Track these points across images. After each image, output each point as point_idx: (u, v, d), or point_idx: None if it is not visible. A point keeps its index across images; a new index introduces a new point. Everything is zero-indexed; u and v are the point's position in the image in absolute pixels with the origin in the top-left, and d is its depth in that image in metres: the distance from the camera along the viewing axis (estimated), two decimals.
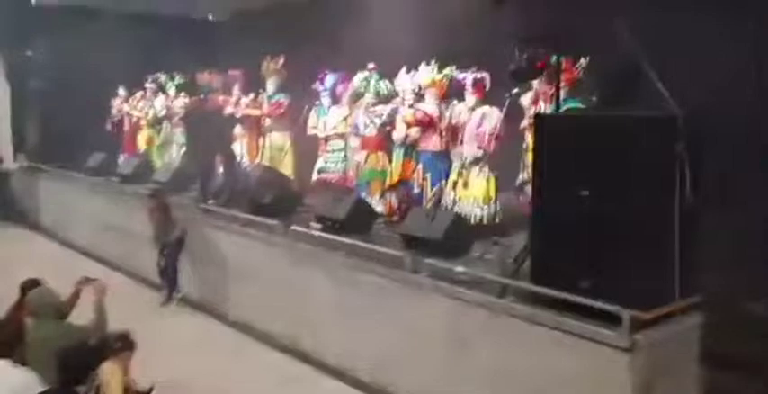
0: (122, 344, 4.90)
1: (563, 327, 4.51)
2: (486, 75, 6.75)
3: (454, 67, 7.12)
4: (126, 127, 12.00)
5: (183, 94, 10.77)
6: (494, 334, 4.99)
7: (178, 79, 10.68)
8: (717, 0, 5.78)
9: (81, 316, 5.00)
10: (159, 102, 11.22)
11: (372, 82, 7.82)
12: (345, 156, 8.26)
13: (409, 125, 7.23)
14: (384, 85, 7.81)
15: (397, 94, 7.69)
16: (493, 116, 6.60)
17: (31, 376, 4.01)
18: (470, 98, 6.80)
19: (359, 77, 7.95)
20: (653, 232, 4.45)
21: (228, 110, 9.56)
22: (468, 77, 6.77)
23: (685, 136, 4.45)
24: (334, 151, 8.31)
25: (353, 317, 6.13)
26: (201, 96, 9.35)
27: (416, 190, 7.18)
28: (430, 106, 7.14)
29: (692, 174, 4.45)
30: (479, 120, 6.67)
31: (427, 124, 7.10)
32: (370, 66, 7.87)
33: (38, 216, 12.57)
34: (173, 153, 10.98)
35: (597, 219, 4.58)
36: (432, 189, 7.08)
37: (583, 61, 6.39)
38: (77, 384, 3.71)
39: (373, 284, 5.96)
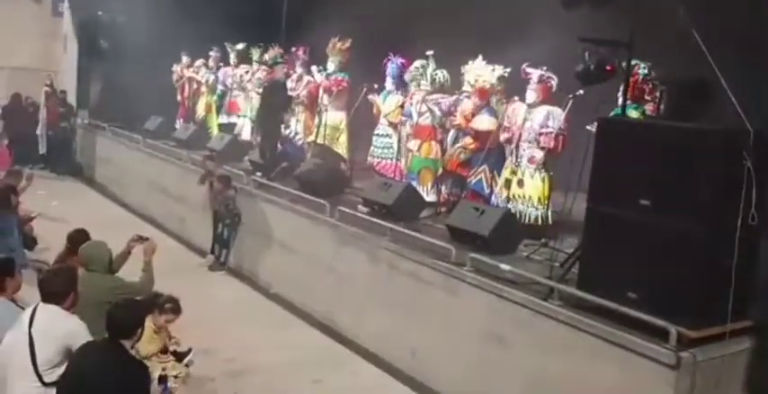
0: (171, 306, 5.07)
1: (606, 337, 4.45)
2: (553, 76, 6.61)
3: (507, 69, 7.02)
4: (186, 93, 12.16)
5: (249, 65, 10.79)
6: (533, 335, 4.95)
7: (253, 50, 10.72)
8: None
9: (130, 273, 5.12)
10: (222, 72, 11.29)
11: (429, 70, 7.75)
12: (393, 144, 8.20)
13: (468, 120, 7.15)
14: (441, 74, 7.72)
15: (449, 85, 7.62)
16: (558, 115, 6.47)
17: (81, 324, 4.13)
18: (531, 95, 6.66)
19: (416, 65, 7.89)
20: (711, 250, 4.34)
21: (290, 85, 9.60)
22: (534, 74, 6.63)
23: (755, 152, 4.32)
24: (380, 136, 8.28)
25: (392, 304, 6.16)
26: (272, 67, 9.36)
27: (487, 190, 7.03)
28: (481, 120, 7.01)
29: (758, 193, 4.32)
30: (543, 120, 6.53)
31: (484, 138, 7.00)
32: (429, 52, 7.79)
33: (94, 172, 12.92)
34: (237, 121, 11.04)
35: (654, 231, 4.48)
36: (494, 184, 6.98)
37: (645, 68, 6.21)
38: (124, 339, 3.81)
39: (415, 273, 5.97)
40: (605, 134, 5.01)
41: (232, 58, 11.12)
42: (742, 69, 5.12)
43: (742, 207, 4.34)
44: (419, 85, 7.79)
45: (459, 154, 7.34)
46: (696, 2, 5.22)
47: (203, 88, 11.65)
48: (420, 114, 7.68)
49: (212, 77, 11.52)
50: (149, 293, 5.12)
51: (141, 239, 5.35)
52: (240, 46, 10.97)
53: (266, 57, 10.25)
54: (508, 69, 7.04)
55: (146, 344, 4.98)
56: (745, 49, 5.69)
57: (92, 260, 4.87)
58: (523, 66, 6.68)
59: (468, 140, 7.19)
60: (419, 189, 7.50)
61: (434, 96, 7.66)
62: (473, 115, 7.14)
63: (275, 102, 8.90)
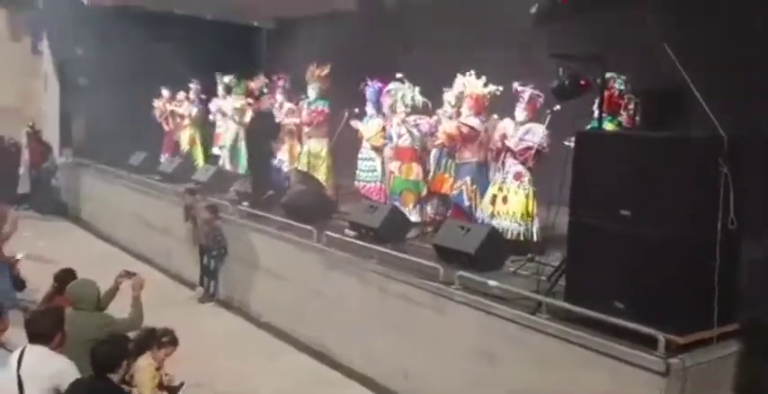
0: (168, 340, 5.06)
1: (596, 347, 4.48)
2: (541, 93, 6.68)
3: (500, 88, 7.11)
4: (168, 127, 12.19)
5: (234, 96, 10.82)
6: (523, 350, 4.96)
7: (234, 82, 10.76)
8: (765, 21, 5.71)
9: (118, 309, 5.10)
10: (214, 103, 11.31)
11: (401, 93, 7.83)
12: (377, 167, 8.25)
13: (452, 138, 7.20)
14: (411, 96, 7.79)
15: (427, 106, 7.70)
16: (538, 132, 6.55)
17: (69, 364, 4.11)
18: (521, 113, 6.75)
19: (389, 88, 7.96)
20: (693, 256, 4.39)
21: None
22: (526, 91, 6.72)
23: (730, 158, 4.39)
24: (364, 160, 8.34)
25: (383, 326, 6.16)
26: (257, 99, 9.42)
27: (467, 202, 7.10)
28: (473, 119, 7.12)
29: (736, 198, 4.38)
30: (523, 134, 6.63)
31: (472, 138, 7.10)
32: (399, 75, 7.87)
33: (79, 210, 12.87)
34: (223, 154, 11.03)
35: (636, 240, 4.53)
36: (481, 200, 7.02)
37: (619, 81, 6.31)
38: (110, 373, 3.80)
39: (404, 294, 5.98)
40: (583, 147, 5.07)
41: (221, 90, 11.15)
42: (713, 78, 5.23)
43: (721, 212, 4.40)
44: (395, 109, 7.86)
45: (447, 166, 7.36)
46: (666, 14, 5.35)
47: (186, 121, 11.69)
48: (399, 136, 7.75)
49: (195, 110, 11.57)
50: (140, 329, 5.10)
51: (129, 275, 5.34)
52: (227, 78, 10.99)
53: (252, 86, 10.29)
54: (501, 87, 7.09)
55: (149, 382, 4.96)
56: (716, 58, 5.83)
57: (79, 298, 4.86)
58: (515, 84, 6.77)
59: (454, 132, 7.16)
60: (402, 210, 7.53)
61: (413, 118, 7.73)
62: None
63: (263, 132, 8.97)
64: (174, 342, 5.21)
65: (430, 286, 5.76)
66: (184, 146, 11.73)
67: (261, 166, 9.05)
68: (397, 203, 7.60)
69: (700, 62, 5.03)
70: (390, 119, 7.96)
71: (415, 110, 7.76)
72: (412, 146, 7.69)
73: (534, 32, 7.44)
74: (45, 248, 9.58)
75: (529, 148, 6.55)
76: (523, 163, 6.61)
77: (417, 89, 7.77)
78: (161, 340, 5.14)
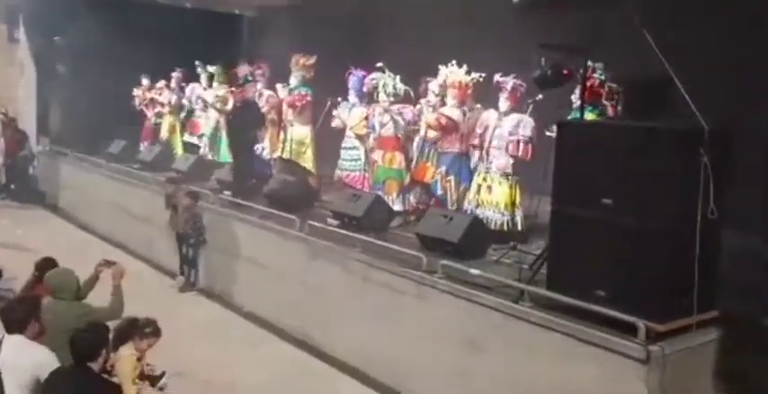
0: (151, 330, 5.02)
1: (578, 335, 4.52)
2: (523, 83, 6.68)
3: (482, 74, 7.11)
4: (147, 115, 12.07)
5: (216, 84, 10.71)
6: (507, 338, 5.00)
7: (217, 70, 10.64)
8: (747, 13, 5.76)
9: (98, 298, 5.05)
10: (194, 91, 11.18)
11: (382, 82, 7.80)
12: (360, 156, 8.25)
13: (432, 129, 7.22)
14: (392, 84, 7.75)
15: (410, 95, 7.69)
16: (528, 124, 6.56)
17: (49, 354, 4.08)
18: (504, 104, 6.75)
19: (371, 77, 7.94)
20: (673, 244, 4.43)
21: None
22: (508, 82, 6.72)
23: (711, 149, 4.43)
24: (347, 149, 8.33)
25: (366, 315, 6.16)
26: (240, 87, 9.32)
27: (440, 191, 7.15)
28: (454, 111, 7.12)
29: (715, 188, 4.43)
30: (513, 128, 6.62)
31: (451, 129, 7.10)
32: (379, 64, 7.83)
33: (57, 199, 12.71)
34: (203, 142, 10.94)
35: (617, 229, 4.57)
36: (457, 190, 7.06)
37: (599, 71, 6.34)
38: (90, 362, 3.77)
39: (387, 282, 5.99)
40: (565, 136, 5.10)
41: (203, 78, 11.02)
42: (695, 68, 5.27)
43: (701, 202, 4.44)
44: (377, 98, 7.85)
45: (430, 155, 7.36)
46: (648, 4, 5.36)
47: (166, 109, 11.57)
48: (382, 125, 7.74)
49: (174, 98, 11.46)
50: (120, 318, 5.06)
51: (108, 264, 5.28)
52: (210, 66, 10.86)
53: (238, 73, 10.16)
54: (483, 74, 7.09)
55: (130, 372, 4.92)
56: (698, 48, 5.87)
57: (59, 287, 4.80)
58: (496, 76, 6.77)
59: (433, 123, 7.18)
60: (385, 199, 7.54)
61: (396, 107, 7.72)
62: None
63: (249, 121, 8.89)
64: (156, 333, 5.16)
65: (413, 275, 5.77)
66: (164, 134, 11.63)
67: (243, 155, 8.97)
68: (380, 192, 7.60)
69: (683, 52, 5.07)
70: (373, 108, 7.95)
71: (397, 98, 7.75)
72: (395, 134, 7.69)
73: (515, 21, 7.46)
74: (22, 237, 9.49)
75: (525, 143, 6.52)
76: (516, 156, 6.59)
77: (398, 78, 7.75)
78: (143, 330, 5.09)
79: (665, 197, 4.42)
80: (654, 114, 5.47)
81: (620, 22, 5.45)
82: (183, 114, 11.36)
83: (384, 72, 7.81)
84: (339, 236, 6.75)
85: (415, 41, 8.19)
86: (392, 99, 7.73)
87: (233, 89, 9.90)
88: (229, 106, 9.83)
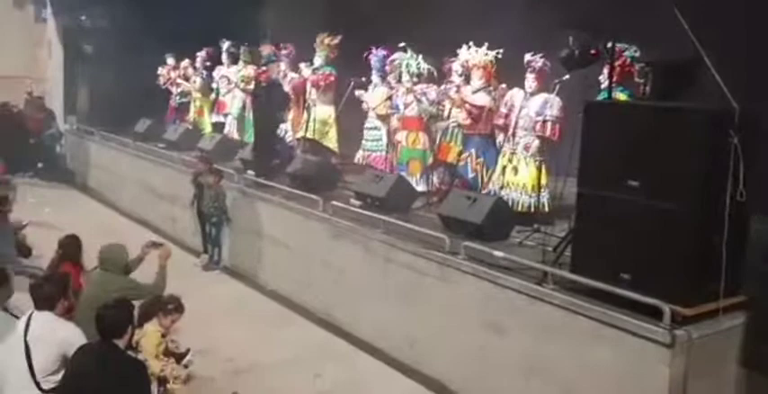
0: (174, 307, 5.15)
1: (601, 318, 4.48)
2: (548, 62, 6.54)
3: (500, 51, 7.01)
4: (172, 94, 12.11)
5: (240, 64, 10.69)
6: (529, 320, 4.98)
7: (243, 49, 10.63)
8: None
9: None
10: (217, 71, 11.19)
11: (405, 62, 7.73)
12: (382, 136, 8.22)
13: (462, 121, 7.16)
14: (415, 65, 7.69)
15: (433, 75, 7.60)
16: (555, 104, 6.46)
17: (76, 330, 4.16)
18: (531, 83, 6.62)
19: (394, 57, 7.88)
20: (701, 228, 4.35)
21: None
22: (537, 61, 6.61)
23: (741, 131, 4.33)
24: (369, 129, 8.31)
25: (389, 295, 6.18)
26: (267, 65, 9.30)
27: (471, 174, 7.07)
28: (480, 95, 7.04)
29: (745, 170, 4.33)
30: (540, 108, 6.52)
31: (481, 115, 7.02)
32: (401, 44, 7.77)
33: (85, 177, 12.87)
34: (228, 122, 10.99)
35: (644, 211, 4.50)
36: (488, 172, 6.99)
37: (633, 51, 6.21)
38: (116, 338, 3.83)
39: (410, 263, 5.98)
40: (592, 118, 4.99)
41: (225, 58, 11.03)
42: (726, 48, 5.14)
43: (730, 184, 4.36)
44: (400, 78, 7.78)
45: (453, 135, 7.31)
46: None
47: (194, 93, 11.55)
48: (406, 106, 7.68)
49: (199, 79, 11.45)
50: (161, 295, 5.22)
51: (156, 245, 5.55)
52: (233, 46, 10.83)
53: (263, 53, 10.14)
54: (501, 50, 6.99)
55: (154, 348, 5.03)
56: (729, 28, 5.73)
57: (109, 260, 5.09)
58: (527, 55, 6.65)
59: (462, 115, 7.15)
60: (409, 180, 7.51)
61: (421, 86, 7.66)
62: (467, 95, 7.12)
63: (274, 101, 8.88)
64: (179, 309, 5.27)
65: (436, 256, 5.75)
66: (192, 115, 11.64)
67: (267, 135, 8.98)
68: (404, 173, 7.57)
69: (713, 30, 4.94)
70: (396, 88, 7.90)
71: (420, 78, 7.68)
72: (419, 115, 7.63)
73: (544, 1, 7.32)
74: (50, 215, 9.63)
75: (552, 123, 6.41)
76: (543, 137, 6.49)
77: (420, 57, 7.67)
78: (167, 307, 5.21)
79: (692, 179, 4.34)
80: (683, 95, 5.35)
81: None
82: (212, 96, 11.34)
83: (406, 52, 7.74)
84: (362, 216, 6.75)
85: (438, 20, 8.07)
86: (415, 79, 7.67)
87: (257, 69, 9.89)
88: (251, 86, 9.82)
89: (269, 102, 8.83)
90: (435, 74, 7.70)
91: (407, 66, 7.68)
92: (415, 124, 7.69)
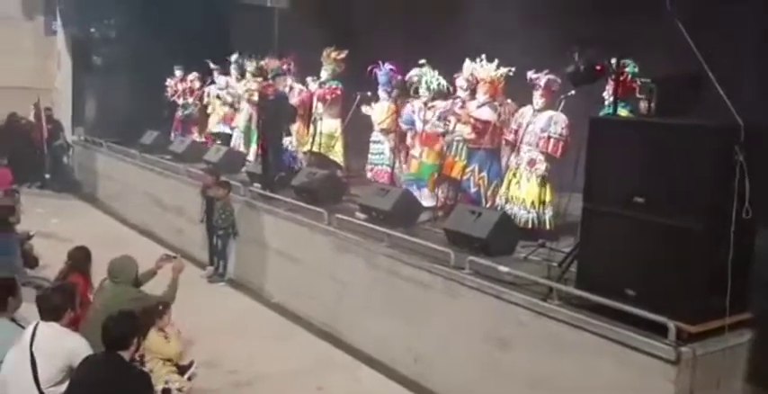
0: (162, 307, 5.22)
1: (606, 334, 4.46)
2: (557, 78, 6.56)
3: (512, 69, 7.04)
4: (179, 106, 12.18)
5: (247, 76, 10.75)
6: (534, 336, 4.96)
7: (249, 62, 10.71)
8: None
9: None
10: (228, 81, 11.23)
11: (425, 78, 7.78)
12: (385, 150, 8.25)
13: (467, 135, 7.19)
14: (435, 81, 7.75)
15: (449, 91, 7.66)
16: (560, 121, 6.48)
17: (82, 341, 4.17)
18: (538, 100, 6.65)
19: (412, 73, 7.93)
20: (706, 244, 4.35)
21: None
22: (541, 78, 6.65)
23: (746, 147, 4.33)
24: (374, 143, 8.35)
25: (393, 309, 6.17)
26: (274, 79, 9.37)
27: (473, 188, 7.10)
28: (485, 110, 7.07)
29: (751, 187, 4.34)
30: (545, 124, 6.54)
31: (486, 130, 7.04)
32: (422, 61, 7.83)
33: (92, 188, 12.93)
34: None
35: (649, 228, 4.50)
36: (490, 187, 7.02)
37: (631, 65, 6.24)
38: (121, 350, 3.84)
39: (415, 277, 5.98)
40: (597, 133, 5.02)
41: (233, 70, 11.10)
42: (731, 64, 5.16)
43: (736, 201, 4.35)
44: (417, 93, 7.82)
45: (459, 150, 7.33)
46: None
47: (217, 105, 11.44)
48: (425, 122, 7.69)
49: (215, 91, 11.45)
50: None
51: (169, 258, 5.63)
52: (241, 58, 10.89)
53: (268, 66, 10.20)
54: (513, 68, 7.03)
55: (160, 348, 5.10)
56: (734, 44, 5.75)
57: (119, 272, 5.15)
58: (529, 73, 6.70)
59: (466, 130, 7.19)
60: (427, 194, 7.54)
61: (436, 103, 7.67)
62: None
63: (281, 115, 8.93)
64: (167, 305, 5.38)
65: (440, 270, 5.75)
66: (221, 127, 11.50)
67: (272, 149, 9.01)
68: (425, 189, 7.60)
69: (718, 46, 4.96)
70: (407, 103, 7.93)
71: (436, 96, 7.72)
72: (435, 131, 7.64)
73: (548, 17, 7.36)
74: (57, 226, 9.67)
75: (555, 140, 6.44)
76: (546, 153, 6.51)
77: (437, 73, 7.73)
78: (159, 310, 5.31)
79: (698, 196, 4.33)
80: (688, 111, 5.36)
81: (653, 16, 5.37)
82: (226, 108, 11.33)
83: (422, 67, 7.79)
84: (367, 230, 6.76)
85: (448, 35, 8.14)
86: (433, 95, 7.71)
87: (264, 82, 9.95)
88: (255, 98, 9.86)
89: (276, 115, 8.88)
90: (450, 90, 7.74)
91: (427, 82, 7.72)
92: (436, 140, 7.69)
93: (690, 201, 4.35)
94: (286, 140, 9.49)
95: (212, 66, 11.30)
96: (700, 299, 4.35)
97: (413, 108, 7.88)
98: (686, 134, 4.49)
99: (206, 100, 11.55)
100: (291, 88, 9.68)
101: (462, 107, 7.22)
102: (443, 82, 7.73)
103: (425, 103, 7.70)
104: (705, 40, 4.67)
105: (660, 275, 4.43)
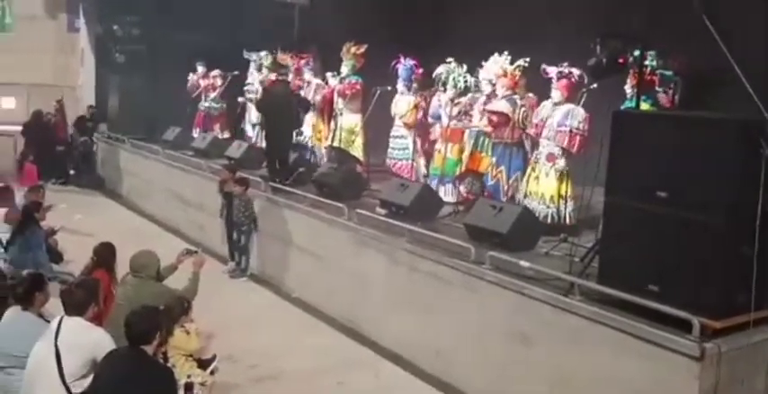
0: (187, 304, 5.23)
1: (629, 330, 4.42)
2: (575, 71, 6.49)
3: (526, 59, 6.99)
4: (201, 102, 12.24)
5: (266, 72, 10.79)
6: (556, 331, 4.93)
7: (265, 57, 10.75)
8: None
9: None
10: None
11: (453, 74, 7.76)
12: (408, 145, 8.25)
13: (485, 128, 7.20)
14: (462, 78, 7.74)
15: (477, 87, 7.66)
16: (578, 115, 6.42)
17: (105, 335, 4.22)
18: (556, 93, 6.58)
19: (440, 70, 7.91)
20: (731, 239, 4.29)
21: (301, 92, 9.65)
22: (552, 72, 6.58)
23: None
24: (396, 137, 8.35)
25: (414, 304, 6.17)
26: (282, 76, 9.38)
27: (491, 181, 7.08)
28: (502, 103, 7.03)
29: None
30: (563, 118, 6.47)
31: (504, 122, 7.01)
32: (449, 60, 7.83)
33: (115, 184, 13.07)
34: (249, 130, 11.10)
35: (673, 223, 4.44)
36: (508, 181, 6.98)
37: (650, 57, 6.16)
38: (144, 344, 3.88)
39: (435, 273, 5.97)
40: (620, 127, 4.95)
41: (252, 66, 11.14)
42: (757, 57, 5.08)
43: (761, 196, 4.29)
44: (444, 88, 7.81)
45: (485, 145, 7.33)
46: None
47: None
48: (450, 118, 7.69)
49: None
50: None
51: (190, 253, 5.68)
52: (259, 54, 10.94)
53: (281, 61, 10.24)
54: (527, 59, 6.98)
55: (189, 345, 5.15)
56: (759, 37, 5.66)
57: (142, 267, 5.21)
58: (542, 66, 6.64)
59: (482, 122, 7.20)
60: (451, 190, 7.59)
61: (462, 100, 7.71)
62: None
63: (288, 108, 8.92)
64: (189, 303, 5.40)
65: (461, 265, 5.73)
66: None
67: (284, 144, 9.00)
68: (449, 185, 7.64)
69: (744, 40, 4.88)
70: (437, 97, 7.93)
71: (462, 92, 7.74)
72: (459, 127, 7.64)
73: (569, 9, 7.29)
74: (82, 221, 9.78)
75: (572, 134, 6.38)
76: (563, 147, 6.45)
77: (465, 69, 7.73)
78: (184, 307, 5.32)
79: (722, 190, 4.27)
80: (712, 105, 5.29)
81: (678, 8, 5.29)
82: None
83: (450, 64, 7.79)
84: (387, 225, 6.75)
85: (466, 32, 8.12)
86: (460, 91, 7.71)
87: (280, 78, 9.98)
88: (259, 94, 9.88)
89: (283, 109, 8.82)
90: (477, 87, 7.72)
91: (455, 79, 7.70)
92: (459, 136, 7.71)
93: (714, 196, 4.29)
94: (304, 135, 9.50)
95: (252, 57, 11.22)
96: (724, 294, 4.29)
97: (440, 102, 7.88)
98: (711, 128, 4.43)
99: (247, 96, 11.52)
100: (309, 83, 9.69)
101: (486, 102, 7.20)
102: (470, 79, 7.72)
103: (452, 99, 7.71)
104: (730, 34, 4.59)
105: (684, 270, 4.38)
